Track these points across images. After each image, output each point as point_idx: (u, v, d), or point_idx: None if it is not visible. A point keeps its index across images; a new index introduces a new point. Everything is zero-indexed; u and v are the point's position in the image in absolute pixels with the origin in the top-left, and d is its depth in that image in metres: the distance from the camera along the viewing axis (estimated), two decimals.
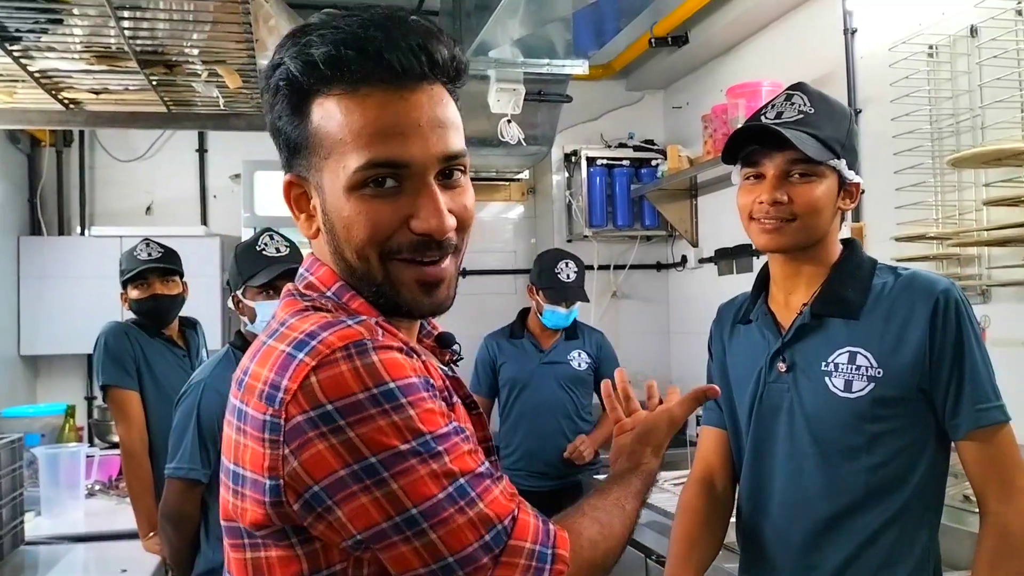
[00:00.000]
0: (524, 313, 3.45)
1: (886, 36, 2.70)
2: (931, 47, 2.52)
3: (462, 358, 1.02)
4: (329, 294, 0.89)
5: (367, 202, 0.83)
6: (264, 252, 2.20)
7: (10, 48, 2.34)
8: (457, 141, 0.86)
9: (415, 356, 0.83)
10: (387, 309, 0.88)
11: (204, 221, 4.30)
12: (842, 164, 1.44)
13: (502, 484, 0.85)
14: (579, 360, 3.34)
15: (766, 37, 3.51)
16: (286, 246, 2.23)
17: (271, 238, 2.24)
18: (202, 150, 4.33)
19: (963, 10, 2.41)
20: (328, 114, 0.83)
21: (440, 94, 0.85)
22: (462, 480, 0.79)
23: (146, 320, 2.85)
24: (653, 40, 3.77)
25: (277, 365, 0.79)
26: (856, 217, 2.86)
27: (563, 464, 3.23)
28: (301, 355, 0.78)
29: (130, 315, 2.91)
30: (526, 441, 3.24)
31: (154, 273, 2.79)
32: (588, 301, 3.35)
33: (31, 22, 2.20)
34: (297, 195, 0.90)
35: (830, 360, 1.42)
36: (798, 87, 1.49)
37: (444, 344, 1.01)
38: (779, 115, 1.44)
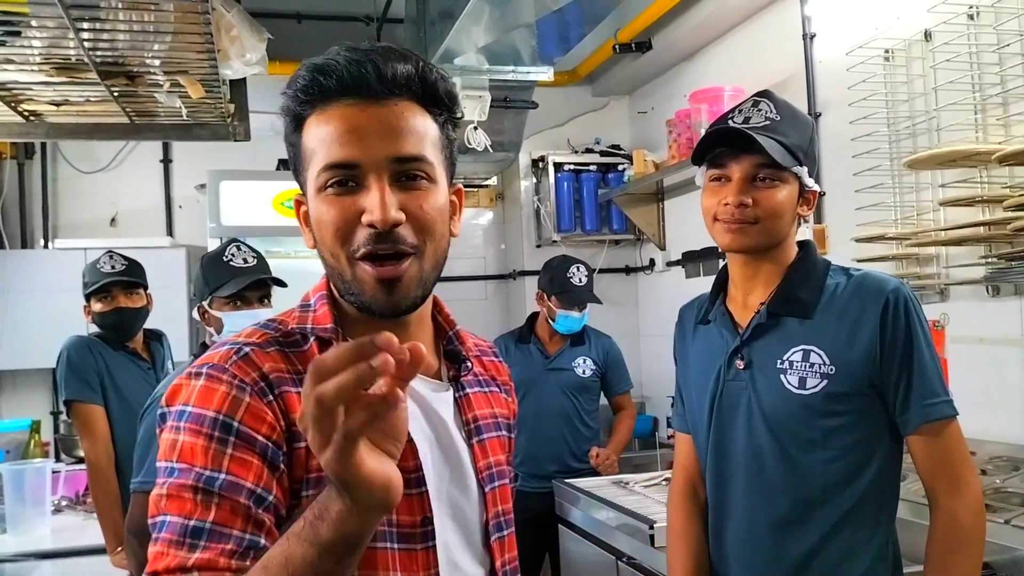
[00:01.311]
0: (532, 318, 3.46)
1: (844, 41, 2.75)
2: (887, 51, 2.57)
3: (469, 369, 1.04)
4: (311, 303, 0.98)
5: (330, 201, 0.90)
6: (231, 263, 2.19)
7: None
8: (412, 146, 0.90)
9: (255, 394, 0.86)
10: (360, 309, 0.93)
11: (170, 232, 4.27)
12: (804, 171, 1.50)
13: (209, 550, 0.80)
14: (584, 367, 3.36)
15: (728, 42, 3.56)
16: (253, 257, 2.22)
17: (238, 248, 2.23)
18: (166, 160, 4.29)
19: (917, 15, 2.46)
20: (309, 132, 0.92)
21: (406, 109, 0.91)
22: (162, 517, 0.84)
23: (110, 333, 2.82)
24: (617, 46, 3.81)
25: None
26: (818, 219, 2.91)
27: (562, 467, 3.25)
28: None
29: (94, 328, 2.88)
30: (528, 444, 3.21)
31: (118, 286, 2.76)
32: (601, 303, 3.36)
33: None
34: (304, 212, 0.98)
35: (785, 358, 1.47)
36: (764, 94, 1.54)
37: (451, 359, 1.04)
38: (747, 120, 1.49)
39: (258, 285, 2.19)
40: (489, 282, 4.59)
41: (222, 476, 0.81)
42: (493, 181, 4.62)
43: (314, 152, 0.91)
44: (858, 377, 1.43)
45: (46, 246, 4.03)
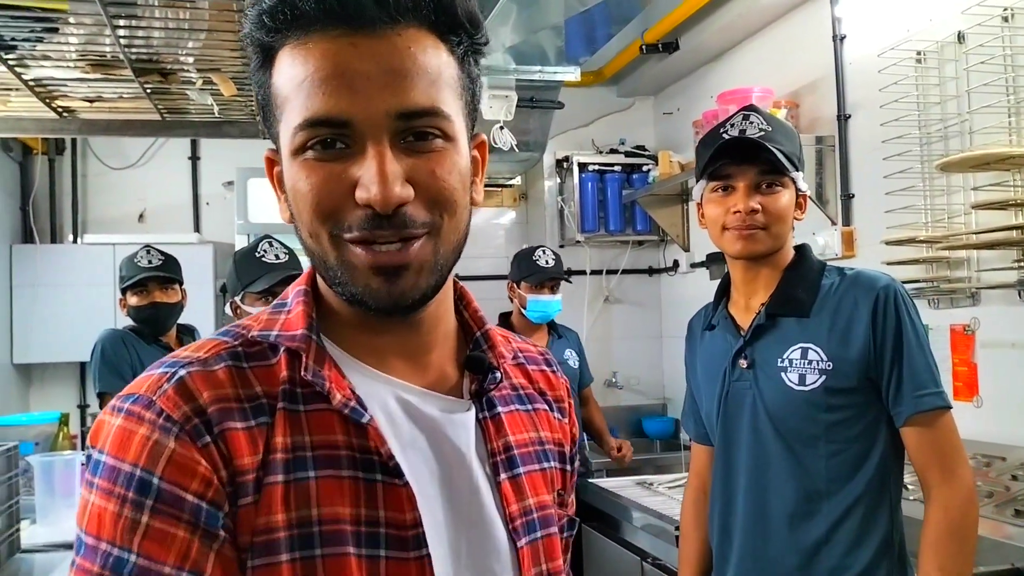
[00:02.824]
0: (505, 317, 3.39)
1: (875, 42, 2.73)
2: (919, 53, 2.55)
3: (498, 381, 0.80)
4: (287, 301, 0.76)
5: (310, 167, 0.68)
6: (263, 259, 2.21)
7: (5, 57, 2.35)
8: (423, 93, 0.67)
9: (185, 436, 0.64)
10: (352, 302, 0.71)
11: (197, 228, 4.30)
12: (799, 176, 1.58)
13: None
14: (572, 359, 3.33)
15: (756, 43, 3.54)
16: (285, 253, 2.24)
17: (270, 244, 2.25)
18: (195, 157, 4.33)
19: (951, 16, 2.44)
20: (281, 70, 0.69)
21: (415, 39, 0.67)
22: None
23: (144, 327, 2.86)
24: (644, 47, 3.80)
25: None
26: (846, 221, 2.89)
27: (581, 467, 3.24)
28: None
29: (126, 321, 2.92)
30: None
31: (154, 281, 2.79)
32: (571, 282, 3.31)
33: (27, 31, 2.20)
34: (277, 173, 0.74)
35: (785, 356, 1.54)
36: (751, 108, 1.62)
37: (473, 368, 0.79)
38: (742, 132, 1.56)
39: (289, 281, 2.22)
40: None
41: (132, 558, 0.62)
42: (517, 181, 4.62)
43: (287, 100, 0.68)
44: (855, 372, 1.49)
45: (75, 241, 4.08)
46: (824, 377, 1.49)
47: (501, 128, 3.66)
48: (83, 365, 4.00)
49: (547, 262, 3.19)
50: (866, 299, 1.49)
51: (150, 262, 2.78)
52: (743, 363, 1.59)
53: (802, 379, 1.51)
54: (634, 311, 4.45)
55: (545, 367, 0.92)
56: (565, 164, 4.36)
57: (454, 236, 0.72)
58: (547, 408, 0.87)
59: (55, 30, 2.23)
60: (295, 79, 0.67)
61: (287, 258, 2.23)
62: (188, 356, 0.70)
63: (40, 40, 2.27)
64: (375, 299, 0.69)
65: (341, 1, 0.65)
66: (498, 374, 0.79)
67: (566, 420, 0.89)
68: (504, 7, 2.83)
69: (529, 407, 0.84)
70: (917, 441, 1.47)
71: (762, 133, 1.54)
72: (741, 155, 1.54)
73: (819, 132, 3.00)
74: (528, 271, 3.19)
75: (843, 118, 2.93)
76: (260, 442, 0.67)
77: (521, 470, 0.79)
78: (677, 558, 1.85)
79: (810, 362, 1.51)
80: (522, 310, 3.24)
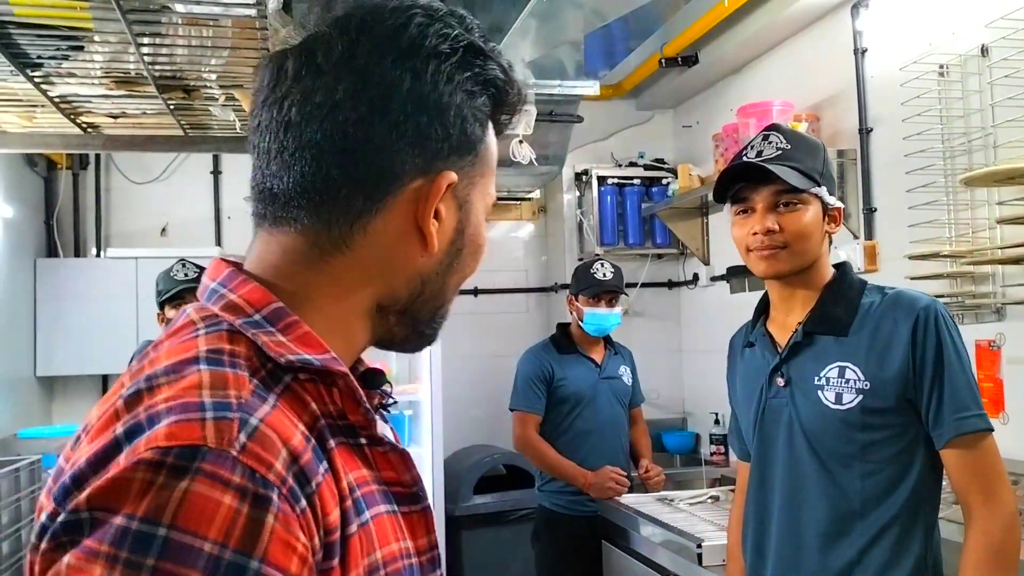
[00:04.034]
0: (564, 327, 3.36)
1: (897, 56, 2.72)
2: (942, 67, 2.53)
3: (395, 401, 0.81)
4: (258, 318, 0.65)
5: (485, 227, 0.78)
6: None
7: (31, 74, 2.38)
8: None
9: (283, 502, 0.54)
10: (397, 341, 0.75)
11: (219, 242, 4.33)
12: (823, 191, 1.57)
13: None
14: (627, 375, 3.30)
15: (776, 57, 3.53)
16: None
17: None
18: (216, 172, 4.37)
19: (974, 30, 2.43)
20: (491, 136, 0.74)
21: None
22: None
23: None
24: (663, 60, 3.80)
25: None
26: (868, 235, 2.87)
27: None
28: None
29: (149, 335, 2.94)
30: (588, 459, 3.05)
31: (191, 293, 2.82)
32: (627, 294, 3.32)
33: (53, 49, 2.23)
34: (446, 202, 0.72)
35: (822, 375, 1.53)
36: (773, 127, 1.63)
37: (370, 384, 0.76)
38: (759, 153, 1.57)
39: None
40: (530, 295, 4.59)
41: None
42: (536, 194, 4.63)
43: (491, 168, 0.75)
44: (893, 393, 1.47)
45: (99, 255, 4.12)
46: (861, 397, 1.48)
47: (520, 142, 3.66)
48: (105, 378, 4.03)
49: (605, 275, 3.19)
50: (907, 319, 1.48)
51: (186, 275, 2.82)
52: (780, 380, 1.59)
53: (839, 398, 1.50)
54: (653, 325, 4.43)
55: None
56: (584, 177, 4.36)
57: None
58: None
59: (80, 48, 2.26)
60: (494, 156, 0.75)
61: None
62: (238, 397, 0.58)
63: (66, 57, 2.30)
64: (431, 339, 0.77)
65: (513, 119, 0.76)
66: (388, 386, 0.80)
67: None
68: (524, 22, 2.84)
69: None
70: (958, 464, 1.45)
71: (779, 152, 1.54)
72: (756, 177, 1.55)
73: (840, 146, 2.98)
74: (586, 284, 3.19)
75: (865, 131, 2.92)
76: (334, 488, 0.59)
77: None
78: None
79: (847, 381, 1.50)
80: (580, 323, 3.23)
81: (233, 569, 0.50)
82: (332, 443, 0.62)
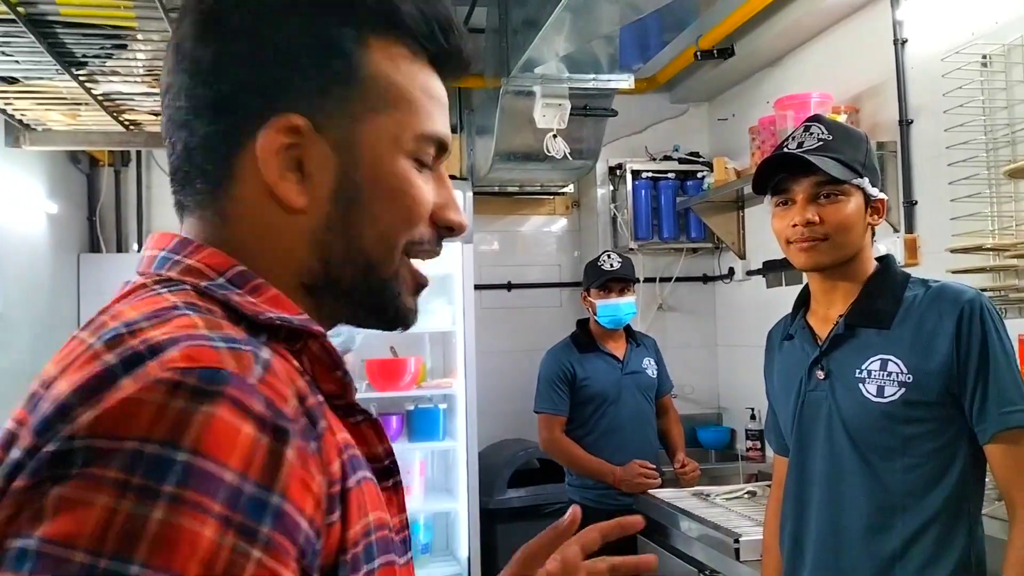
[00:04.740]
0: (583, 325, 3.36)
1: (938, 46, 2.67)
2: (985, 57, 2.49)
3: (371, 416, 0.68)
4: (221, 281, 0.61)
5: (414, 176, 0.68)
6: None
7: (76, 73, 2.43)
8: None
9: (299, 437, 0.51)
10: (366, 316, 0.69)
11: None
12: (865, 182, 1.56)
13: None
14: (651, 368, 3.29)
15: (813, 48, 3.49)
16: None
17: None
18: None
19: (1018, 19, 2.38)
20: (395, 64, 0.67)
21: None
22: None
23: None
24: (698, 53, 3.78)
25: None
26: (909, 228, 2.83)
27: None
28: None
29: None
30: (616, 456, 3.06)
31: None
32: (638, 281, 3.32)
33: (97, 48, 2.28)
34: (293, 146, 0.64)
35: (863, 367, 1.52)
36: (815, 119, 1.63)
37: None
38: (800, 145, 1.57)
39: None
40: (563, 289, 4.59)
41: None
42: (569, 188, 4.62)
43: (413, 100, 0.67)
44: (936, 386, 1.46)
45: (139, 250, 4.17)
46: (904, 390, 1.47)
47: (554, 136, 3.66)
48: None
49: (611, 265, 3.20)
50: (951, 312, 1.47)
51: None
52: (820, 373, 1.58)
53: (880, 391, 1.50)
54: (688, 319, 4.41)
55: None
56: (618, 171, 4.35)
57: None
58: None
59: (124, 47, 2.30)
60: (424, 89, 0.68)
61: None
62: (228, 333, 0.55)
63: (110, 56, 2.35)
64: (407, 315, 0.70)
65: (468, 59, 0.72)
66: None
67: None
68: (559, 16, 2.84)
69: None
70: (1002, 459, 1.43)
71: (820, 143, 1.54)
72: (797, 168, 1.54)
73: (880, 137, 2.94)
74: (594, 276, 3.20)
75: (905, 123, 2.87)
76: (331, 439, 0.57)
77: None
78: (738, 571, 1.83)
79: (889, 374, 1.49)
80: (595, 317, 3.22)
81: (253, 503, 0.47)
82: (320, 398, 0.59)
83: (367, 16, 0.66)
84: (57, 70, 2.37)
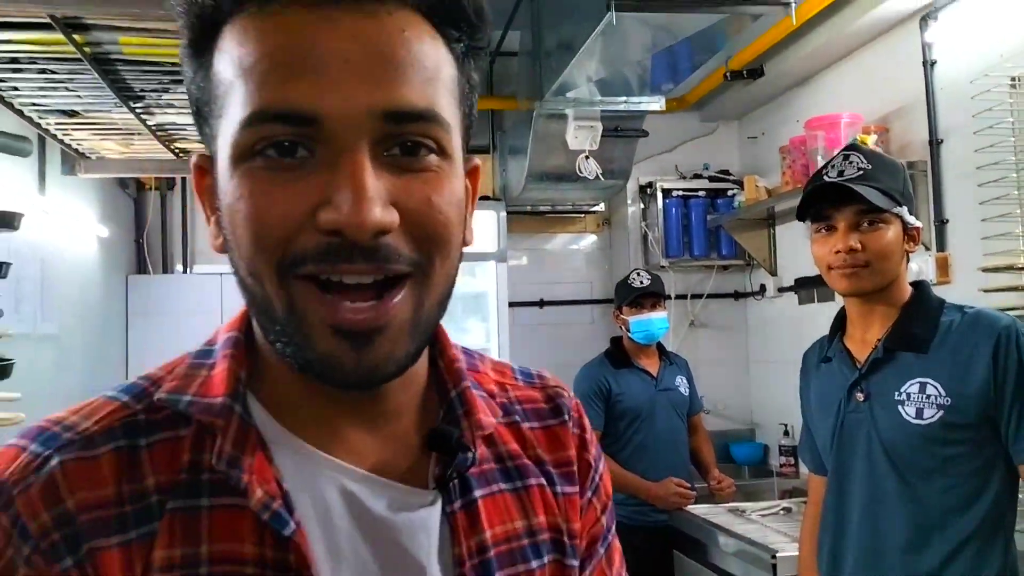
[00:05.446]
0: (617, 342, 3.40)
1: (967, 68, 2.72)
2: (1014, 79, 2.53)
3: (469, 464, 0.60)
4: (214, 348, 0.60)
5: (257, 178, 0.52)
6: None
7: (134, 106, 2.54)
8: (420, 94, 0.52)
9: (40, 555, 0.50)
10: (304, 370, 0.54)
11: None
12: (904, 211, 1.62)
13: None
14: (683, 385, 3.34)
15: (843, 69, 3.54)
16: None
17: None
18: None
19: None
20: (226, 47, 0.53)
21: (409, 23, 0.53)
22: None
23: None
24: (728, 74, 3.84)
25: None
26: (940, 247, 2.86)
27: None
28: None
29: None
30: (649, 472, 3.08)
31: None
32: (669, 297, 3.38)
33: (155, 82, 2.39)
34: (207, 186, 0.58)
35: (902, 390, 1.57)
36: (852, 147, 1.68)
37: (438, 446, 0.60)
38: (840, 173, 1.63)
39: None
40: (595, 306, 4.65)
41: None
42: (601, 207, 4.69)
43: (231, 88, 0.52)
44: (973, 409, 1.51)
45: (185, 271, 4.32)
46: (942, 412, 1.52)
47: (587, 158, 3.74)
48: None
49: (641, 282, 3.27)
50: (988, 338, 1.52)
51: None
52: (859, 396, 1.63)
53: (919, 413, 1.54)
54: (720, 336, 4.45)
55: (552, 419, 0.69)
56: (649, 190, 4.41)
57: (442, 287, 0.55)
58: (543, 482, 0.66)
59: (180, 81, 2.41)
60: (245, 60, 0.51)
61: None
62: (73, 425, 0.55)
63: (166, 90, 2.46)
64: (336, 372, 0.53)
65: None
66: (469, 455, 0.60)
67: (574, 487, 0.68)
68: (591, 44, 2.92)
69: (519, 484, 0.64)
70: None
71: (860, 172, 1.59)
72: (839, 196, 1.60)
73: (910, 157, 2.98)
74: (625, 294, 3.28)
75: (935, 143, 2.91)
76: (138, 563, 0.51)
77: None
78: None
79: (928, 396, 1.54)
80: (628, 334, 3.29)
81: None
82: (172, 505, 0.54)
83: (206, 4, 0.54)
84: (116, 103, 2.49)
